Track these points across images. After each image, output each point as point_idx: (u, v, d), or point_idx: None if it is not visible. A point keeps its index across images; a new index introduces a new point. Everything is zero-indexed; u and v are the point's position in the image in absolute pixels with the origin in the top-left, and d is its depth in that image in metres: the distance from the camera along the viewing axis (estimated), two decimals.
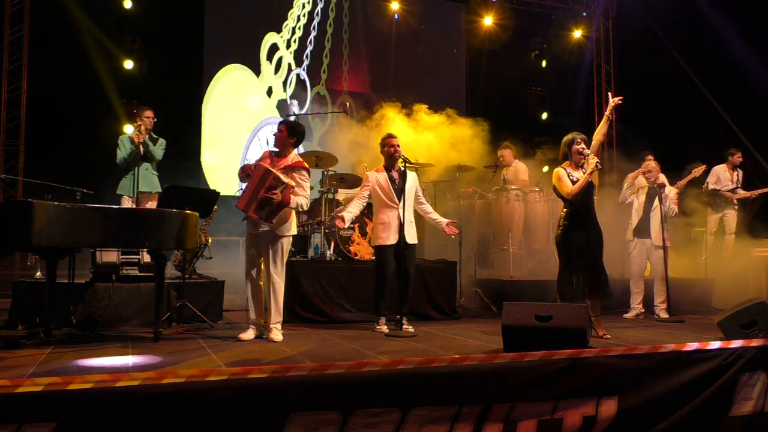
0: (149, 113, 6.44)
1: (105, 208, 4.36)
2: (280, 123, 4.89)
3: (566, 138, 5.05)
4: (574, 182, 4.85)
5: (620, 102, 5.05)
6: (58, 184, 5.13)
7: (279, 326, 4.68)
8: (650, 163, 6.58)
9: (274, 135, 4.86)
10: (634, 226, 6.56)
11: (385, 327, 5.17)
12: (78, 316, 5.00)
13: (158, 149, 6.42)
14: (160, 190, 6.38)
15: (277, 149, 4.83)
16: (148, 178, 6.39)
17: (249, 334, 4.65)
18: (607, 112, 5.05)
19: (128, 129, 7.46)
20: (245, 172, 4.70)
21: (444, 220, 5.45)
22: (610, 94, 5.39)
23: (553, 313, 3.99)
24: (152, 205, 6.27)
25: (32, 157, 8.75)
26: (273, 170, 4.53)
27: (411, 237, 5.24)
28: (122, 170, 6.41)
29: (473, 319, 6.36)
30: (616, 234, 7.75)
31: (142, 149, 6.23)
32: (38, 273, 5.77)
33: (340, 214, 5.28)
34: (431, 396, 3.15)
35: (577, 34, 12.34)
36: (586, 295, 4.79)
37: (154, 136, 6.46)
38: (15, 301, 5.26)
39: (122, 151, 6.33)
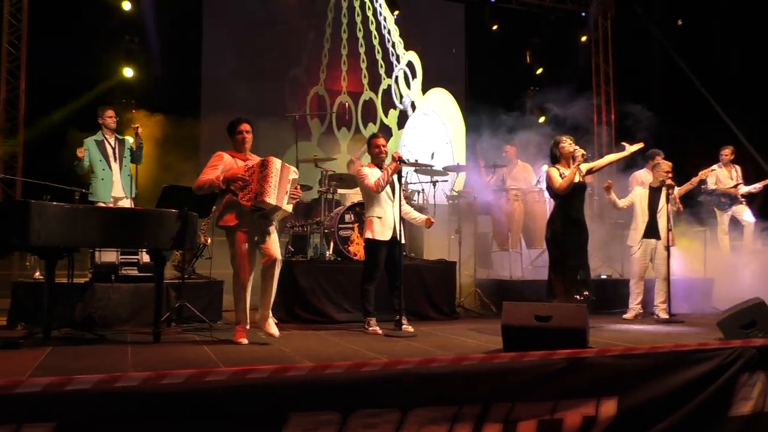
0: (110, 113, 6.29)
1: (104, 209, 4.38)
2: (249, 122, 4.64)
3: (554, 140, 5.28)
4: None
5: (643, 147, 5.53)
6: (56, 185, 5.13)
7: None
8: (665, 162, 6.30)
9: (245, 138, 4.62)
10: (641, 229, 6.25)
11: (377, 327, 5.14)
12: (77, 316, 5.00)
13: (141, 153, 6.32)
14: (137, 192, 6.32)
15: (245, 149, 4.63)
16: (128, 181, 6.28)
17: (246, 335, 4.60)
18: (626, 154, 5.43)
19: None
20: (242, 178, 4.38)
21: (422, 217, 5.51)
22: (626, 143, 5.61)
23: (552, 313, 3.99)
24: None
25: (31, 157, 8.73)
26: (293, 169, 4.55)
27: (402, 235, 5.31)
28: (87, 174, 6.19)
29: (473, 319, 6.36)
30: (616, 234, 7.79)
31: (135, 147, 6.23)
32: (37, 273, 5.77)
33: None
34: (431, 396, 3.14)
35: (576, 34, 12.32)
36: (574, 294, 4.85)
37: (119, 137, 6.35)
38: (14, 301, 5.26)
39: (90, 155, 6.13)
